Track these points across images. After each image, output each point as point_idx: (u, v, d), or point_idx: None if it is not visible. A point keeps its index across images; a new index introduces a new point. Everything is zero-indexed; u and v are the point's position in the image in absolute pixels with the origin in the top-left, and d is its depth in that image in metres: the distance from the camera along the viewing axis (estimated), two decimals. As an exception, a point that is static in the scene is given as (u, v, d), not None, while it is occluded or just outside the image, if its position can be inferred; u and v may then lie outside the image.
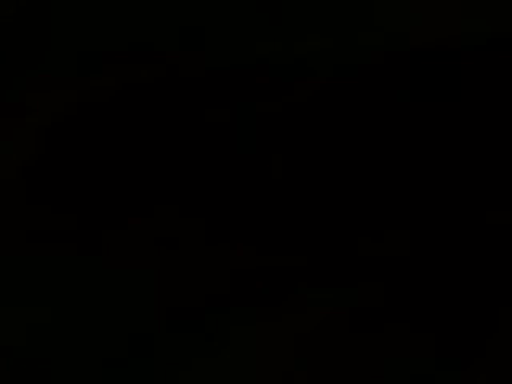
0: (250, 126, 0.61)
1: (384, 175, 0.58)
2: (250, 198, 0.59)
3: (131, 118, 0.62)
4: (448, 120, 0.58)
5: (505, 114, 0.58)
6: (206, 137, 0.61)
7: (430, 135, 0.58)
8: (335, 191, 0.58)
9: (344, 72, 0.61)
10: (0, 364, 0.51)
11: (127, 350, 0.52)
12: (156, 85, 0.62)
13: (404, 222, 0.56)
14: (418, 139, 0.58)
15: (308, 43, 0.63)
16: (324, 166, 0.59)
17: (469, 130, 0.58)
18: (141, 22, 0.65)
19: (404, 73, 0.60)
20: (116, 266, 0.56)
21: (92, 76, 0.62)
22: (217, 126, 0.61)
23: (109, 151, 0.60)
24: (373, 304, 0.54)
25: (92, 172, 0.59)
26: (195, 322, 0.53)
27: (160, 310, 0.54)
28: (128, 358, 0.52)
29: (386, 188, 0.57)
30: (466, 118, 0.59)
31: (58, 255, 0.56)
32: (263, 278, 0.55)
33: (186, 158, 0.61)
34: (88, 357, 0.52)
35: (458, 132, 0.58)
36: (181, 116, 0.62)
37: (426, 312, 0.53)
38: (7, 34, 0.64)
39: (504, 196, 0.56)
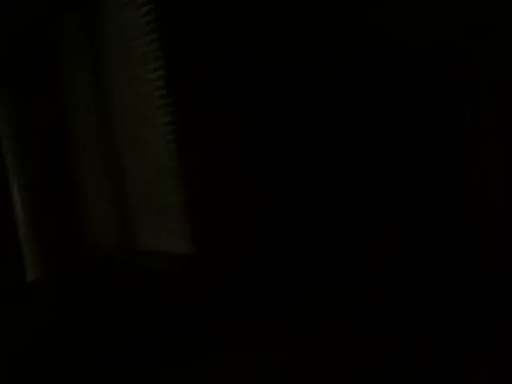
0: (250, 126, 0.61)
1: (384, 175, 0.58)
2: (250, 198, 0.59)
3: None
4: (448, 120, 0.59)
5: (505, 112, 0.58)
6: (205, 137, 0.61)
7: (430, 135, 0.58)
8: (335, 191, 0.58)
9: (344, 72, 0.61)
10: (0, 364, 0.51)
11: (127, 350, 0.52)
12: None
13: (404, 221, 0.57)
14: (418, 139, 0.59)
15: (308, 43, 0.63)
16: (324, 165, 0.59)
17: (468, 129, 0.58)
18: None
19: (404, 73, 0.60)
20: (116, 267, 0.56)
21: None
22: (216, 126, 0.61)
23: None
24: (373, 304, 0.54)
25: None
26: (195, 322, 0.54)
27: (160, 310, 0.54)
28: (128, 358, 0.52)
29: (386, 188, 0.57)
30: (465, 118, 0.59)
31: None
32: (263, 278, 0.55)
33: (185, 157, 0.61)
34: (88, 357, 0.52)
35: (458, 131, 0.58)
36: (181, 116, 0.63)
37: (425, 312, 0.53)
38: (7, 34, 0.64)
39: None
